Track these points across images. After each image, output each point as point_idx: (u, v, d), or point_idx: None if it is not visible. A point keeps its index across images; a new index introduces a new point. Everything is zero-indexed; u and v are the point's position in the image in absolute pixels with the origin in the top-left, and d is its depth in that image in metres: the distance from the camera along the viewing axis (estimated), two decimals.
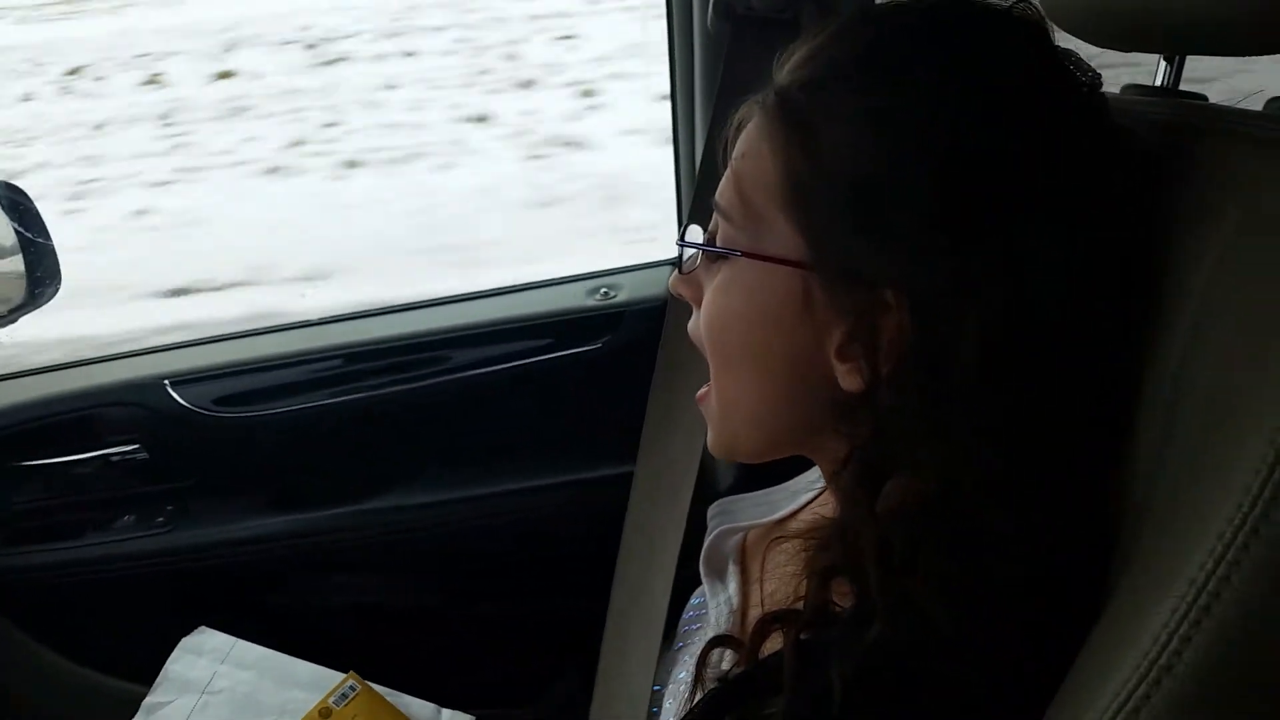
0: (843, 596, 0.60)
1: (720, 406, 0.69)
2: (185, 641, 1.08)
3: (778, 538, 0.72)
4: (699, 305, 0.69)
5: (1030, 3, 0.63)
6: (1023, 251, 0.56)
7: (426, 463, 1.40)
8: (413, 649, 1.38)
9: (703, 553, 0.80)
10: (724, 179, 0.66)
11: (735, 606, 0.74)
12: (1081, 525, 0.59)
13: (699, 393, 0.72)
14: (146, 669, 1.29)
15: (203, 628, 1.09)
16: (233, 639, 1.09)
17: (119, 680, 1.38)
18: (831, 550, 0.61)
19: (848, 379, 0.61)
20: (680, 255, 0.71)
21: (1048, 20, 0.64)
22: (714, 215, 0.67)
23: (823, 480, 0.76)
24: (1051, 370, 0.57)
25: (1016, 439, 0.57)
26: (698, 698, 0.64)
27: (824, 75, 0.61)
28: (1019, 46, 0.61)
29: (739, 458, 0.75)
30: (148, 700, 1.03)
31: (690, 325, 0.71)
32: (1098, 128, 0.61)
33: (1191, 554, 0.45)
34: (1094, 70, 0.62)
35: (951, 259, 0.56)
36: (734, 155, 0.66)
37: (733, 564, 0.78)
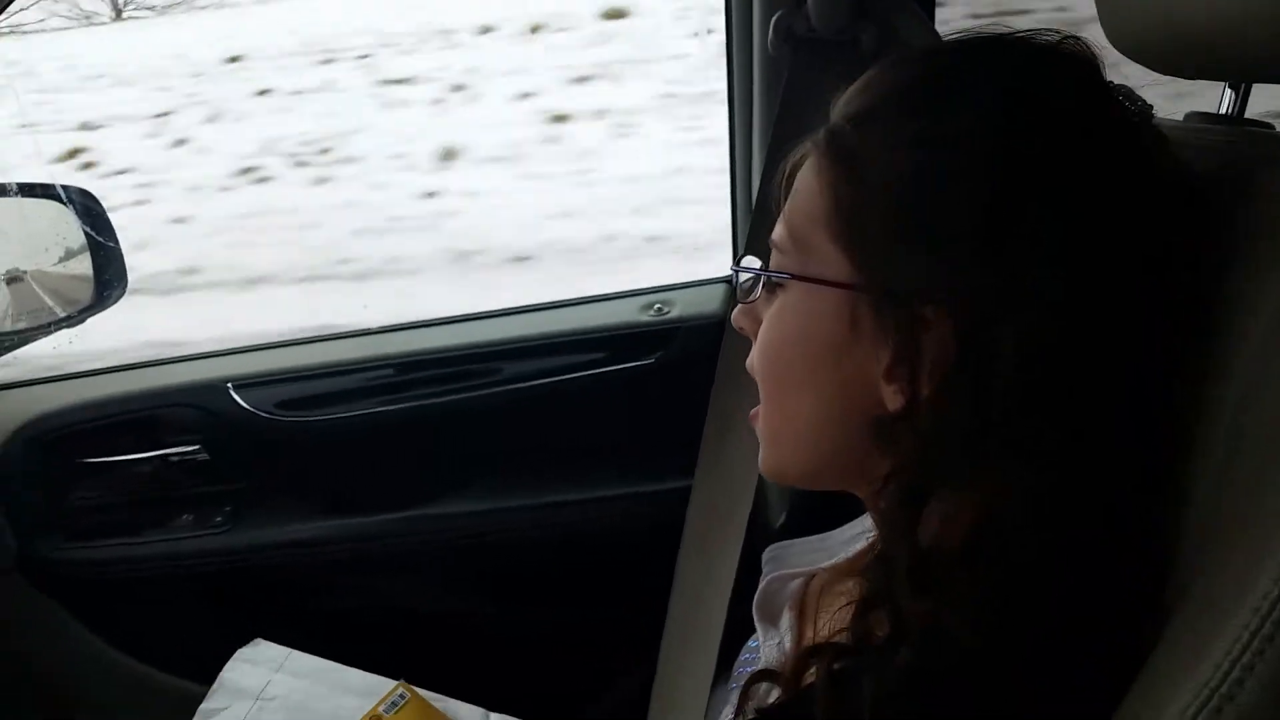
0: (882, 627, 0.60)
1: (770, 430, 0.70)
2: (241, 652, 1.10)
3: (836, 580, 0.72)
4: (755, 338, 0.70)
5: (1080, 38, 0.63)
6: (1059, 266, 0.56)
7: (479, 471, 1.41)
8: (462, 655, 1.39)
9: (756, 598, 0.80)
10: (779, 219, 0.68)
11: (788, 647, 0.74)
12: (1130, 552, 0.58)
13: (752, 411, 0.72)
14: (199, 666, 1.31)
15: (258, 639, 1.11)
16: (287, 649, 1.10)
17: (171, 676, 1.41)
18: (873, 579, 0.62)
19: (894, 400, 0.61)
20: (735, 282, 0.73)
21: (1105, 51, 0.64)
22: (771, 253, 0.68)
23: (874, 527, 0.76)
24: (1092, 393, 0.57)
25: (1058, 460, 0.57)
26: None
27: (871, 107, 0.63)
28: (1065, 76, 0.61)
29: (788, 481, 0.76)
30: (203, 706, 1.05)
31: (749, 359, 0.72)
32: (1146, 158, 0.60)
33: (1256, 581, 0.45)
34: (1144, 101, 0.63)
35: (989, 274, 0.57)
36: (789, 195, 0.67)
37: (787, 610, 0.78)
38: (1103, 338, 0.57)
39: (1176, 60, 0.71)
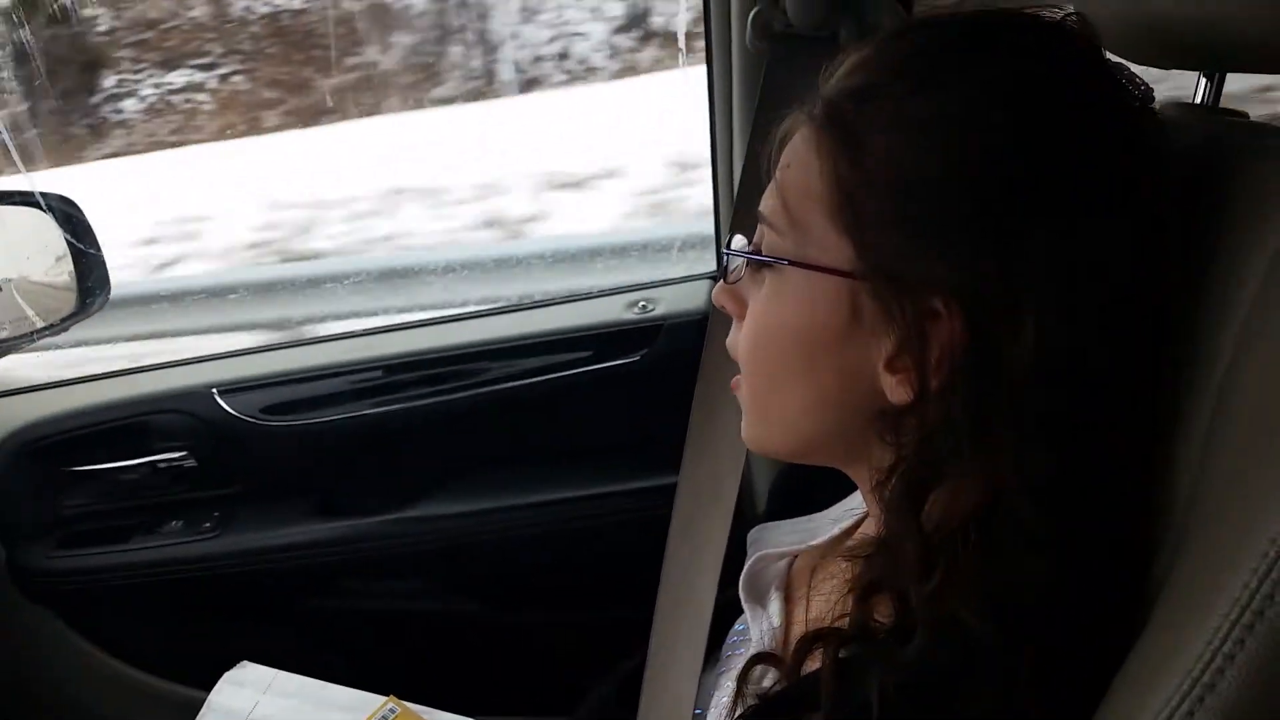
0: (884, 614, 0.60)
1: (759, 408, 0.69)
2: (227, 674, 1.10)
3: (825, 559, 0.71)
4: (740, 319, 0.69)
5: (1082, 16, 0.62)
6: (1073, 256, 0.55)
7: (466, 472, 1.41)
8: (453, 655, 1.40)
9: (742, 579, 0.79)
10: (768, 190, 0.66)
11: (778, 626, 0.73)
12: (1125, 534, 0.58)
13: (734, 380, 0.71)
14: (191, 670, 1.32)
15: (244, 662, 1.11)
16: (274, 670, 1.10)
17: (164, 680, 1.41)
18: (874, 566, 0.61)
19: (897, 391, 0.60)
20: (724, 266, 0.70)
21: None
22: (758, 228, 0.66)
23: (863, 506, 0.76)
24: (1097, 376, 0.57)
25: (1063, 446, 0.57)
26: (738, 714, 0.64)
27: (871, 84, 0.60)
28: (1067, 55, 0.60)
29: (772, 455, 0.75)
30: None
31: (729, 339, 0.70)
32: (1148, 139, 0.60)
33: (1239, 566, 0.45)
34: (1146, 83, 0.62)
35: (1003, 265, 0.56)
36: (779, 166, 0.65)
37: (775, 590, 0.77)
38: (1108, 324, 0.57)
39: (1151, 50, 0.71)
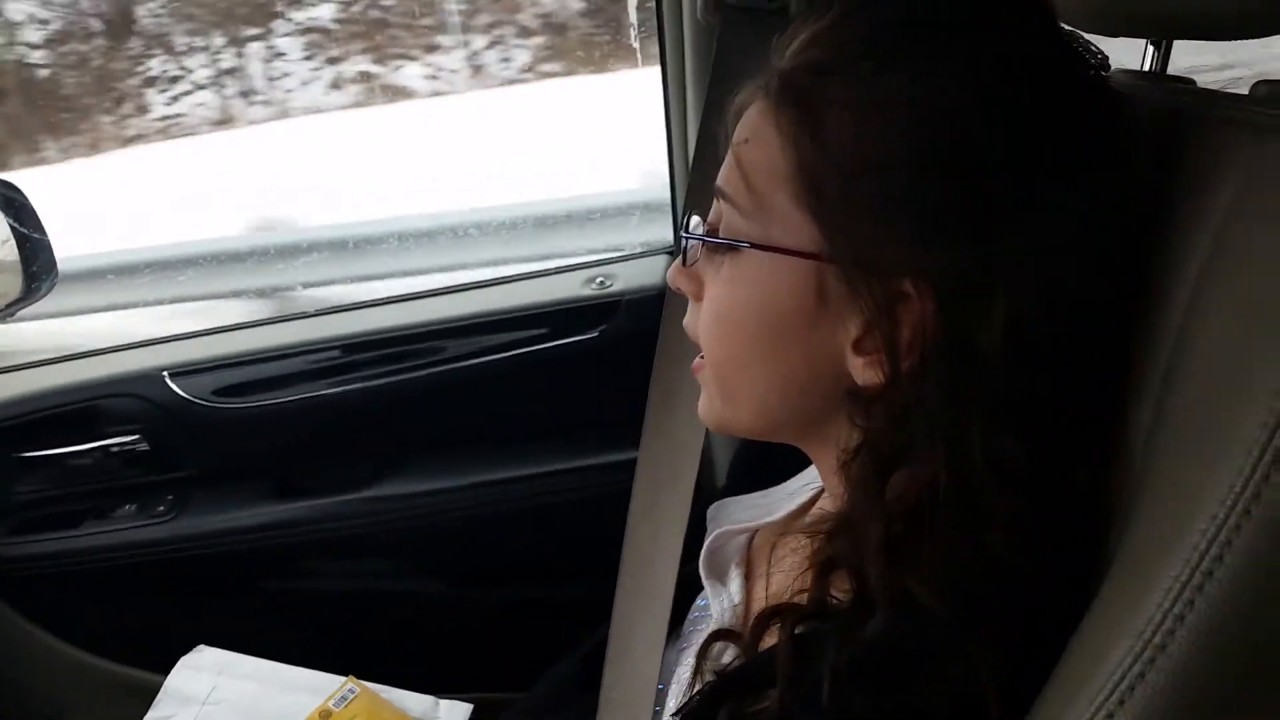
0: (842, 590, 0.60)
1: (721, 390, 0.68)
2: (184, 659, 1.09)
3: (783, 534, 0.71)
4: (697, 299, 0.68)
5: None
6: (1043, 234, 0.55)
7: (425, 452, 1.40)
8: (413, 634, 1.39)
9: (702, 556, 0.79)
10: (725, 164, 0.64)
11: (738, 603, 0.73)
12: (1081, 506, 0.59)
13: (695, 362, 0.70)
14: (148, 655, 1.31)
15: (201, 645, 1.10)
16: (231, 653, 1.09)
17: (122, 666, 1.40)
18: (835, 543, 0.61)
19: (865, 373, 0.60)
20: (683, 247, 0.69)
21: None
22: (715, 204, 0.65)
23: (819, 480, 0.75)
24: (1066, 353, 0.57)
25: (1030, 426, 0.57)
26: (696, 689, 0.64)
27: (830, 59, 0.59)
28: (1026, 28, 0.59)
29: (733, 434, 0.75)
30: (150, 716, 1.04)
31: (687, 320, 0.69)
32: (1107, 109, 0.60)
33: (1188, 529, 0.46)
34: (1101, 51, 0.61)
35: (974, 246, 0.55)
36: (735, 140, 0.64)
37: (734, 565, 0.77)
38: (1077, 297, 0.57)
39: (1099, 19, 0.72)
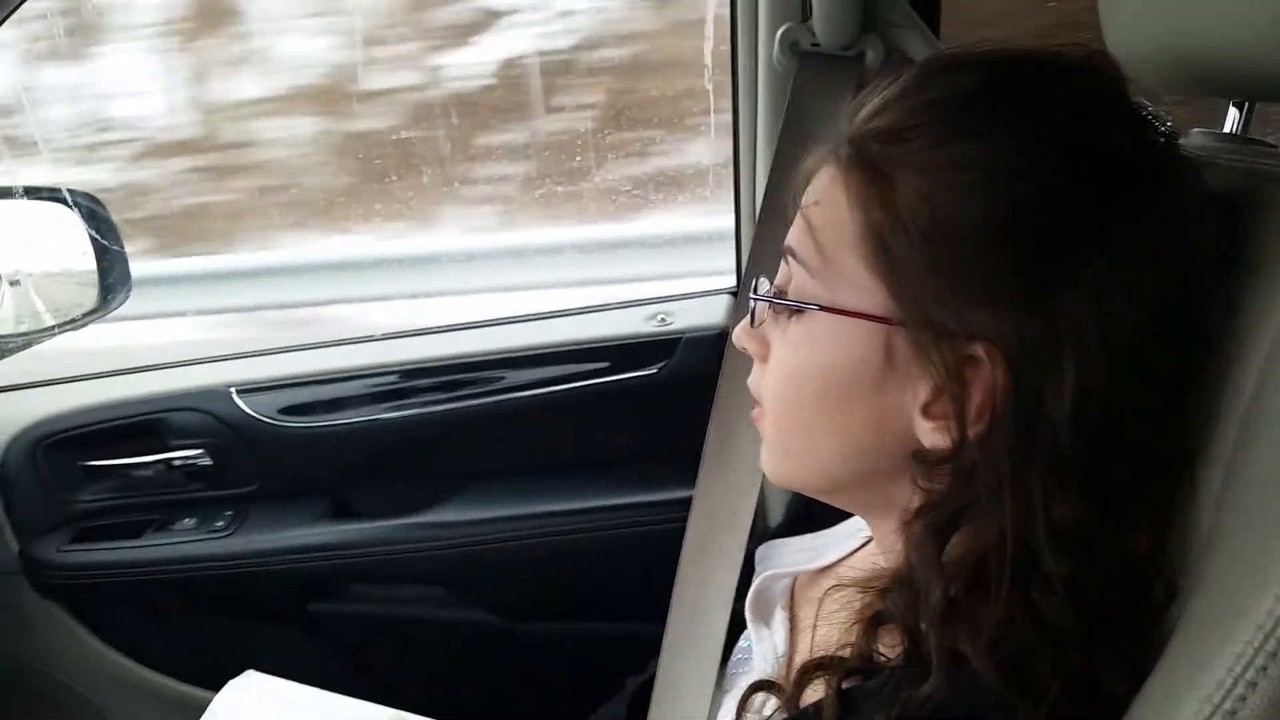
0: (889, 647, 0.59)
1: (784, 447, 0.68)
2: (232, 682, 1.10)
3: (834, 585, 0.71)
4: (763, 361, 0.68)
5: (1106, 54, 0.62)
6: (1112, 301, 0.55)
7: (481, 480, 1.41)
8: (461, 665, 1.40)
9: (749, 597, 0.79)
10: (795, 224, 0.65)
11: (782, 652, 0.73)
12: (1140, 571, 0.58)
13: (755, 412, 0.70)
14: (199, 670, 1.32)
15: (250, 671, 1.11)
16: (279, 680, 1.10)
17: (171, 680, 1.41)
18: (890, 600, 0.61)
19: (932, 436, 0.60)
20: (750, 309, 0.69)
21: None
22: (783, 265, 0.66)
23: (869, 528, 0.75)
24: (1134, 416, 0.57)
25: (1093, 490, 0.56)
26: None
27: (900, 126, 0.60)
28: (1097, 97, 0.60)
29: (794, 490, 0.75)
30: None
31: (751, 380, 0.70)
32: (1177, 178, 0.60)
33: (1260, 597, 0.45)
34: (1171, 121, 0.61)
35: (1046, 313, 0.55)
36: (805, 201, 0.64)
37: (780, 609, 0.77)
38: (1148, 366, 0.57)
39: (1182, 80, 0.72)
